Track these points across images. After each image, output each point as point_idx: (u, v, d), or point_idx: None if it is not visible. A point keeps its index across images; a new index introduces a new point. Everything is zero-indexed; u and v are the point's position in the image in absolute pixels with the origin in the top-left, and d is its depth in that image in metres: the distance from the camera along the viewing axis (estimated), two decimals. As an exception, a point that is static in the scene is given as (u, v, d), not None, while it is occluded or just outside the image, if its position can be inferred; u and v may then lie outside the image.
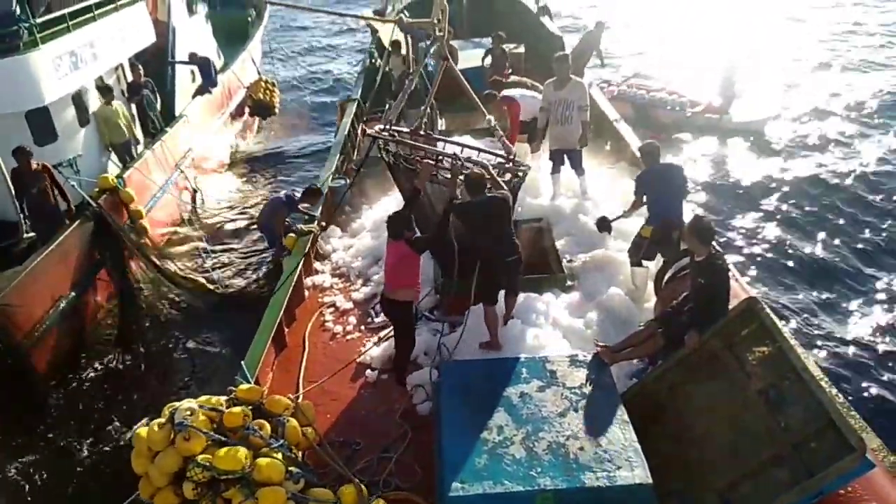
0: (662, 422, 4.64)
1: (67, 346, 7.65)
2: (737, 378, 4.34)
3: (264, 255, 9.89)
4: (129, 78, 10.83)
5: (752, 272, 8.95)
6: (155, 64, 11.66)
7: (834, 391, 4.37)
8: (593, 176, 8.29)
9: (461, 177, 5.55)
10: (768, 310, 4.49)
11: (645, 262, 6.51)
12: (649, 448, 4.11)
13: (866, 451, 3.39)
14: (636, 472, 3.90)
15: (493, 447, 4.11)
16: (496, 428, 4.25)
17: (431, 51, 7.30)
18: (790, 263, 9.20)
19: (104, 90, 9.66)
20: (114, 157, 9.94)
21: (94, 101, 9.67)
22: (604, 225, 6.79)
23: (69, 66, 8.64)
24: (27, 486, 6.18)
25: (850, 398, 4.75)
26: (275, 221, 8.04)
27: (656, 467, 3.98)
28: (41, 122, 8.40)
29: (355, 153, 10.39)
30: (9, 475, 6.21)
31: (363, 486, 4.24)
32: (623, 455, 4.01)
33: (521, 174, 6.52)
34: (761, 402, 4.10)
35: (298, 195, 8.11)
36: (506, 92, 8.75)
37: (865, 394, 6.85)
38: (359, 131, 11.03)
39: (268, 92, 14.69)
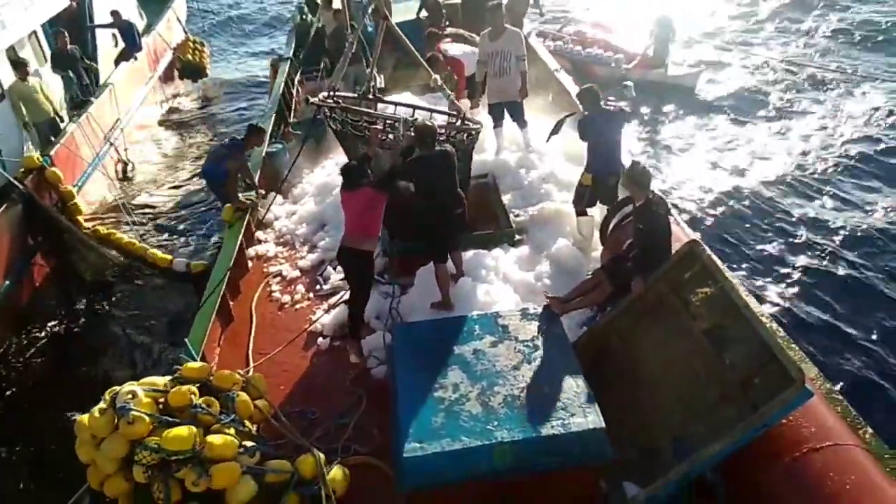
0: (613, 368, 4.74)
1: (5, 336, 7.29)
2: (683, 320, 4.44)
3: (202, 224, 9.62)
4: (46, 46, 10.06)
5: (695, 214, 9.16)
6: (72, 30, 10.84)
7: (774, 326, 4.53)
8: (536, 128, 8.24)
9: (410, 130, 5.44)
10: (709, 251, 4.57)
11: (590, 211, 6.56)
12: (602, 394, 4.18)
13: (805, 382, 3.53)
14: (589, 418, 3.97)
15: (448, 405, 4.10)
16: (451, 386, 4.25)
17: (370, 10, 7.02)
18: (729, 204, 9.44)
19: (17, 64, 8.79)
20: (34, 136, 9.20)
21: (7, 76, 8.85)
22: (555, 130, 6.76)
23: None
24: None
25: (788, 331, 4.92)
26: (228, 169, 7.46)
27: (609, 412, 4.06)
28: None
29: (291, 115, 10.04)
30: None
31: (321, 454, 4.21)
32: (576, 402, 4.07)
33: (474, 133, 6.42)
34: (707, 342, 4.21)
35: (240, 138, 7.60)
36: (449, 51, 8.54)
37: (803, 325, 7.16)
38: (295, 93, 10.64)
39: (197, 52, 13.94)
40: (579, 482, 4.01)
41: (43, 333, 7.68)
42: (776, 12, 17.10)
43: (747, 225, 8.96)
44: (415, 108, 7.02)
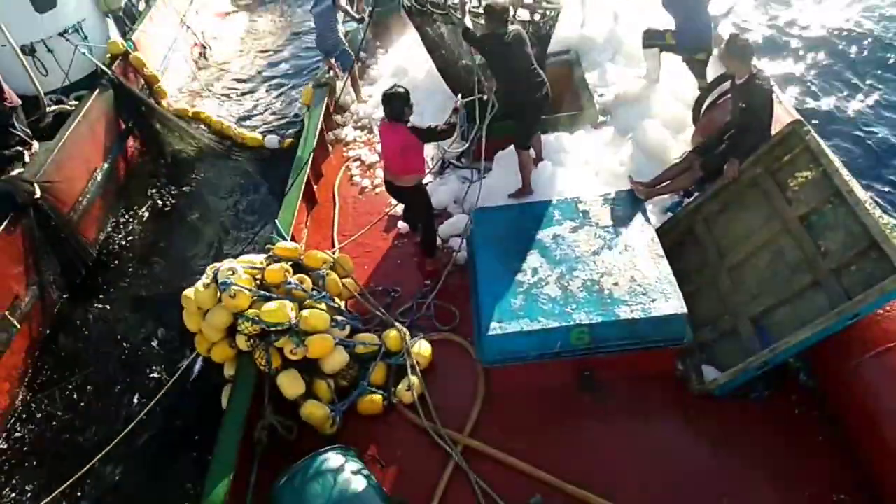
0: (697, 253, 4.63)
1: (108, 214, 7.82)
2: (777, 204, 4.22)
3: (284, 104, 9.84)
4: None
5: (798, 93, 8.39)
6: None
7: (878, 213, 4.23)
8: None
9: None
10: (814, 133, 4.24)
11: (680, 88, 6.21)
12: (684, 279, 4.13)
13: (908, 272, 3.33)
14: (671, 303, 3.96)
15: (527, 288, 4.18)
16: (530, 270, 4.31)
17: None
18: (838, 83, 8.56)
19: None
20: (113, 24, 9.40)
21: None
22: (649, 39, 6.33)
23: None
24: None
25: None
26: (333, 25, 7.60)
27: (691, 297, 4.02)
28: None
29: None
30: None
31: (405, 329, 4.45)
32: (658, 288, 4.05)
33: (551, 12, 5.99)
34: (802, 228, 4.01)
35: None
36: None
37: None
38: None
39: None
40: (657, 362, 4.08)
41: (143, 212, 8.15)
42: None
43: (859, 105, 8.15)
44: None
